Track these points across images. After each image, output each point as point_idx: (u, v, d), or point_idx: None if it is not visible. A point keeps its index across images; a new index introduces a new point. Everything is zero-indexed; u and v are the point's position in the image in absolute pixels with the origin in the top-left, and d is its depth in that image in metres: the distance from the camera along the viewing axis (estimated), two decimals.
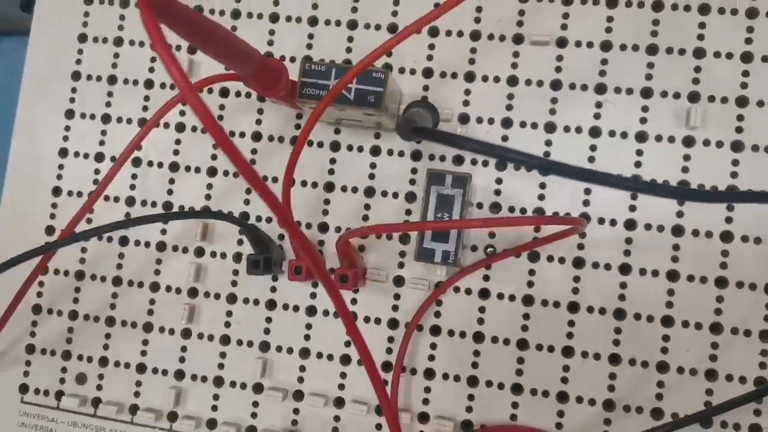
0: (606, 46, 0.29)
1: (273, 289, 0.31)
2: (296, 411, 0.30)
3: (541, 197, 0.29)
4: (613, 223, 0.28)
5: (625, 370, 0.28)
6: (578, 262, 0.28)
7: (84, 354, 0.32)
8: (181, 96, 0.27)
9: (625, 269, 0.28)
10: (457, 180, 0.26)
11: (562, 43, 0.29)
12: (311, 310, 0.30)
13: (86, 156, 0.33)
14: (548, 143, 0.29)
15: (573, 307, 0.28)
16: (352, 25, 0.31)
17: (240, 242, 0.31)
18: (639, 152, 0.28)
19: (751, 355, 0.27)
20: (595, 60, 0.29)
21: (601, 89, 0.29)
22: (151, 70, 0.33)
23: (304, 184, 0.31)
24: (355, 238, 0.30)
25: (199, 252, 0.31)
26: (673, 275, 0.28)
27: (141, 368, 0.31)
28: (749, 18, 0.28)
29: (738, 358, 0.27)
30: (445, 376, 0.29)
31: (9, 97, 0.35)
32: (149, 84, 0.33)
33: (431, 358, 0.29)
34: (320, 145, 0.31)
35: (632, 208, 0.28)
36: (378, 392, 0.22)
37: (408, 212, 0.30)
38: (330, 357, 0.30)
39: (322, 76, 0.27)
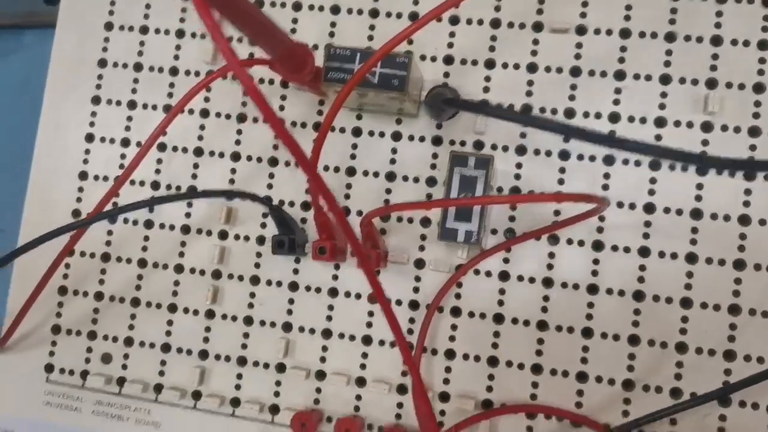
0: (625, 33, 0.30)
1: (295, 271, 0.31)
2: (318, 390, 0.31)
3: (561, 182, 0.29)
4: (632, 206, 0.29)
5: (644, 351, 0.28)
6: (597, 245, 0.29)
7: (109, 334, 0.33)
8: (228, 68, 0.28)
9: (644, 252, 0.29)
10: (480, 162, 0.26)
11: (581, 30, 0.30)
12: (333, 292, 0.31)
13: (112, 141, 0.34)
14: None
15: (592, 289, 0.29)
16: (374, 13, 0.32)
17: (263, 225, 0.32)
18: (658, 137, 0.29)
19: None
20: (614, 47, 0.30)
21: (620, 76, 0.29)
22: (176, 57, 0.33)
23: (326, 168, 0.31)
24: (377, 220, 0.31)
25: (223, 235, 0.32)
26: (691, 257, 0.28)
27: (166, 348, 0.32)
28: (765, 6, 0.29)
29: (756, 338, 0.28)
30: (466, 357, 0.30)
31: (31, 88, 0.36)
32: (174, 71, 0.33)
33: (452, 338, 0.30)
34: (342, 130, 0.31)
35: (651, 192, 0.29)
36: (404, 354, 0.23)
37: (429, 196, 0.30)
38: (352, 337, 0.31)
39: (346, 60, 0.27)
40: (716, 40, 0.29)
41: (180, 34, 0.33)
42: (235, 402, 0.31)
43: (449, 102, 0.24)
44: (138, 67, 0.34)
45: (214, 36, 0.16)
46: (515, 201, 0.28)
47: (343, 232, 0.21)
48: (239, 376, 0.31)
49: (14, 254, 0.29)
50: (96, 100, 0.34)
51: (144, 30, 0.34)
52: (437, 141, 0.31)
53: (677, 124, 0.29)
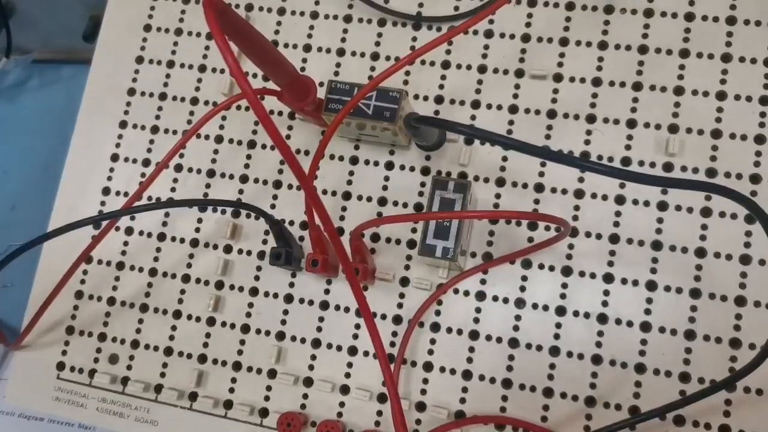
0: (596, 81, 0.33)
1: (291, 285, 0.34)
2: (305, 396, 0.33)
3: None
4: (598, 236, 0.32)
5: (605, 370, 0.30)
6: (566, 271, 0.32)
7: (118, 336, 0.35)
8: (241, 95, 0.31)
9: (608, 278, 0.31)
10: (458, 186, 0.29)
11: (558, 78, 0.33)
12: (324, 305, 0.34)
13: (134, 161, 0.37)
14: (543, 164, 0.33)
15: (560, 311, 0.31)
16: (375, 56, 0.35)
17: (264, 242, 0.35)
18: None
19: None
20: (586, 93, 0.33)
21: (591, 119, 0.33)
22: (197, 89, 0.37)
23: (324, 192, 0.35)
24: (369, 241, 0.33)
25: (228, 249, 0.35)
26: (651, 285, 0.31)
27: (168, 351, 0.35)
28: (724, 62, 0.32)
29: (709, 362, 0.30)
30: (442, 369, 0.32)
31: (67, 117, 0.39)
32: (194, 101, 0.37)
33: (430, 352, 0.32)
34: (341, 158, 0.35)
35: (616, 224, 0.31)
36: (383, 365, 0.25)
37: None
38: (339, 348, 0.33)
39: (345, 94, 0.31)
40: (678, 90, 0.32)
41: (202, 69, 0.37)
42: (228, 404, 0.34)
43: (418, 120, 0.28)
44: (162, 96, 0.38)
45: (231, 66, 0.19)
46: (488, 217, 0.31)
47: (330, 240, 0.24)
48: (233, 380, 0.34)
49: (28, 246, 0.31)
50: (123, 124, 0.38)
51: (170, 64, 0.38)
52: (425, 171, 0.34)
53: (641, 163, 0.32)
